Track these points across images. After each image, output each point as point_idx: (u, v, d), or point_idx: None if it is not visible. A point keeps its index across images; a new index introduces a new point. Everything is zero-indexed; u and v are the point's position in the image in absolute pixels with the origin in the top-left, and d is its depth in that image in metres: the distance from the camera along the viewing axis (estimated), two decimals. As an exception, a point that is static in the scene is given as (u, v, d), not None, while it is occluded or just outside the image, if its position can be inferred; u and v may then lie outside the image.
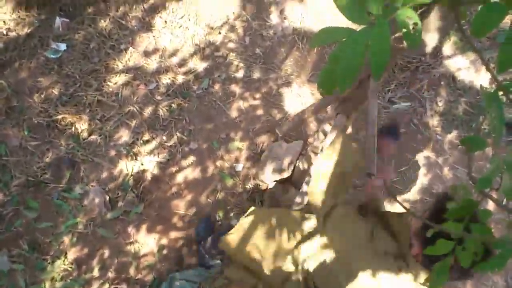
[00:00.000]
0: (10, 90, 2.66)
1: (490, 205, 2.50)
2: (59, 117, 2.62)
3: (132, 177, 2.56)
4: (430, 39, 2.73)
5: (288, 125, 1.79)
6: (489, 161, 2.75)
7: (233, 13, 3.00)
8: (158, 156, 2.63)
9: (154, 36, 2.93)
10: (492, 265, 0.79)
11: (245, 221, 1.70)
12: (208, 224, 2.48)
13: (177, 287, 2.15)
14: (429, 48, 3.05)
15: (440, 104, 2.90)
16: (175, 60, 2.88)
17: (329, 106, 1.88)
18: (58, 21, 2.84)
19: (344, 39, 0.70)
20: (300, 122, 1.70)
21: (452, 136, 2.83)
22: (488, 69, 0.76)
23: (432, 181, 2.70)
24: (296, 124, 1.73)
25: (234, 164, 2.65)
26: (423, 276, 1.18)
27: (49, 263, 2.37)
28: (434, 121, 2.85)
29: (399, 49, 1.35)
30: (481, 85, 0.98)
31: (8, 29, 2.82)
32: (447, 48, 3.04)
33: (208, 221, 2.50)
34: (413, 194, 2.67)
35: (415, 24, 0.65)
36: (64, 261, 2.38)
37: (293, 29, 3.00)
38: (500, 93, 0.80)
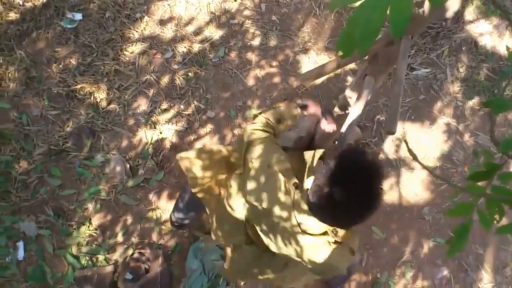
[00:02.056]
0: (28, 61, 2.68)
1: None
2: (78, 86, 2.64)
3: (151, 145, 2.59)
4: (452, 3, 2.65)
5: (308, 74, 1.76)
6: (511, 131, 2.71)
7: (249, -21, 2.94)
8: (176, 125, 2.64)
9: (169, 5, 2.89)
10: None
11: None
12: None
13: (208, 247, 2.28)
14: (450, 13, 2.95)
15: (461, 70, 2.84)
16: (190, 28, 2.85)
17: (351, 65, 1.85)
18: (73, -10, 2.83)
19: (363, 0, 0.68)
20: (321, 73, 1.67)
21: (473, 102, 2.78)
22: None
23: (452, 148, 2.67)
24: (317, 74, 1.70)
25: (252, 132, 2.66)
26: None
27: (74, 229, 2.44)
28: (454, 87, 2.80)
29: (424, 18, 1.31)
30: (507, 46, 0.96)
31: (24, 0, 2.82)
32: (469, 13, 2.95)
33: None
34: (432, 160, 2.65)
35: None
36: (88, 227, 2.44)
37: (310, -5, 2.93)
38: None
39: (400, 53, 1.29)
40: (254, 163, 1.33)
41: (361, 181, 1.09)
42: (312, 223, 1.22)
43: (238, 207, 1.49)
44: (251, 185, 1.32)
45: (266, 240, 1.36)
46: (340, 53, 0.79)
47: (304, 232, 1.23)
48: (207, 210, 1.75)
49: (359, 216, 1.13)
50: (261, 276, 1.64)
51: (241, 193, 1.45)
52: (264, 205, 1.28)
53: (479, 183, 0.92)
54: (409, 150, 1.08)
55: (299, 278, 1.65)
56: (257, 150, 1.37)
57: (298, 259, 1.30)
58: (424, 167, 0.98)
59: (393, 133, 1.23)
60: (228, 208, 1.54)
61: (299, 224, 1.23)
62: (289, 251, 1.30)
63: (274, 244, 1.33)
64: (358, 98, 1.56)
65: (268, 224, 1.31)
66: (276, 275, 1.61)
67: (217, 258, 2.32)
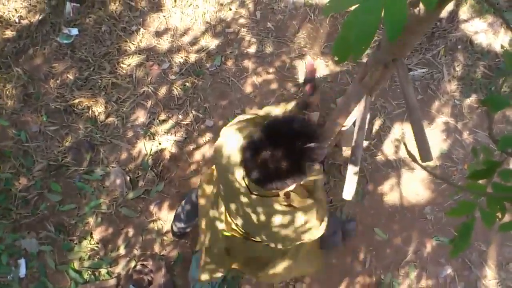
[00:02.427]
0: (26, 77, 2.69)
1: (513, 168, 2.46)
2: (76, 101, 2.65)
3: (151, 156, 2.58)
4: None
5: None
6: (511, 123, 2.70)
7: (242, -12, 2.96)
8: (175, 135, 2.64)
9: (164, 16, 2.91)
10: None
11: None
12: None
13: None
14: (444, 13, 2.98)
15: (457, 68, 2.84)
16: (186, 39, 2.87)
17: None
18: (68, 6, 2.85)
19: (357, 5, 0.68)
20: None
21: (470, 100, 2.77)
22: (509, 28, 0.74)
23: (452, 147, 2.66)
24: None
25: (251, 139, 2.65)
26: None
27: (76, 243, 2.43)
28: (452, 86, 2.80)
29: (421, 20, 1.31)
30: (501, 45, 0.96)
31: (20, 17, 2.84)
32: (463, 12, 2.96)
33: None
34: (432, 160, 2.64)
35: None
36: (90, 241, 2.43)
37: (304, 1, 2.95)
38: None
39: (401, 79, 1.28)
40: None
41: (278, 141, 1.17)
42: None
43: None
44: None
45: (236, 220, 1.51)
46: (336, 58, 0.79)
47: (253, 194, 1.35)
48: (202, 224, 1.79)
49: (278, 173, 1.18)
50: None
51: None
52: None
53: (480, 181, 0.92)
54: (408, 152, 1.08)
55: (288, 271, 1.79)
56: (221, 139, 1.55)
57: (263, 236, 1.44)
58: (423, 167, 0.97)
59: (430, 160, 1.24)
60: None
61: (248, 188, 1.35)
62: (256, 227, 1.42)
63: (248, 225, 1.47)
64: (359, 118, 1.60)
65: (235, 207, 1.46)
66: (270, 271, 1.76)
67: None
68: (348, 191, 1.61)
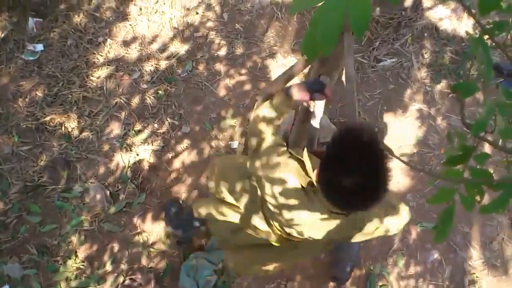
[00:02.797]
0: (-7, 98, 2.61)
1: (487, 149, 2.53)
2: (47, 118, 2.59)
3: (129, 168, 2.55)
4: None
5: (270, 88, 1.78)
6: (482, 105, 2.77)
7: (208, -10, 2.94)
8: (152, 145, 2.61)
9: (130, 25, 2.87)
10: (495, 206, 0.80)
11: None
12: (175, 207, 2.45)
13: (199, 265, 2.27)
14: (408, 2, 3.02)
15: (426, 55, 2.90)
16: (155, 46, 2.83)
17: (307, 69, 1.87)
18: (31, 21, 2.78)
19: (322, 2, 0.68)
20: (290, 77, 1.70)
21: (441, 86, 2.83)
22: (470, 14, 0.75)
23: (427, 133, 2.72)
24: (286, 79, 1.73)
25: (229, 142, 2.65)
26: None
27: (60, 264, 2.38)
28: (422, 73, 2.85)
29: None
30: (466, 31, 0.99)
31: (-19, 37, 2.75)
32: (427, 0, 3.02)
33: (173, 205, 2.45)
34: (409, 147, 2.69)
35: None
36: (75, 260, 2.39)
37: (270, 0, 2.95)
38: (486, 37, 0.80)
39: (345, 51, 1.31)
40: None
41: (363, 160, 1.05)
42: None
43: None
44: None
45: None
46: (305, 57, 0.80)
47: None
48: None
49: (370, 197, 1.08)
50: (268, 267, 1.72)
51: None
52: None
53: (457, 167, 0.94)
54: (383, 145, 1.09)
55: (307, 254, 1.75)
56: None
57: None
58: (399, 159, 0.99)
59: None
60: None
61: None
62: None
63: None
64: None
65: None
66: (282, 262, 1.71)
67: (210, 274, 2.29)
68: None
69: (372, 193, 1.07)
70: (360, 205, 1.12)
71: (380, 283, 2.44)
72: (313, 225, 1.35)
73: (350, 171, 1.05)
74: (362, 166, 1.04)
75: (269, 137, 1.46)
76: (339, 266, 2.36)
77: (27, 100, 2.64)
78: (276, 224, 1.50)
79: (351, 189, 1.06)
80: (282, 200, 1.35)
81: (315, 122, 1.78)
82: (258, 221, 1.55)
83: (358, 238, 1.45)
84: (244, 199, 1.57)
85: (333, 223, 1.33)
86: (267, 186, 1.37)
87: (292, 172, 1.32)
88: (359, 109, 2.72)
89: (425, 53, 2.90)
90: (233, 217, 1.64)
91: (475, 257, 2.53)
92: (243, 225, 1.61)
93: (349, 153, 1.06)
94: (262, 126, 1.48)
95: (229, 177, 1.64)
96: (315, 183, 1.28)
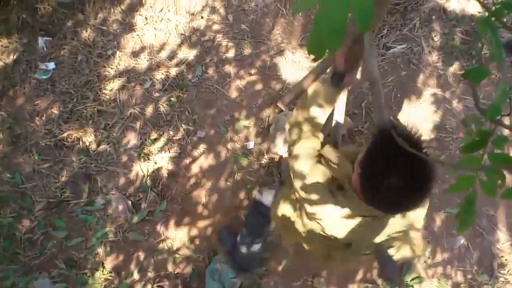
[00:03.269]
0: (11, 119, 2.67)
1: (506, 130, 2.48)
2: (65, 134, 2.63)
3: (149, 177, 2.58)
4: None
5: (289, 96, 1.77)
6: (495, 88, 2.72)
7: (211, -6, 2.95)
8: (169, 152, 2.63)
9: (138, 35, 2.90)
10: None
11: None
12: (229, 235, 2.46)
13: (223, 267, 2.27)
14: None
15: (435, 39, 2.85)
16: (164, 54, 2.85)
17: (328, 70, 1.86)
18: (41, 41, 2.83)
19: None
20: (301, 91, 1.68)
21: (454, 68, 2.79)
22: None
23: (443, 117, 2.68)
24: (297, 93, 1.72)
25: (245, 143, 2.65)
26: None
27: (89, 276, 2.42)
28: (433, 57, 2.81)
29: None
30: (472, 15, 0.96)
31: (-6, 60, 2.81)
32: (432, -19, 2.97)
33: (228, 233, 2.47)
34: (427, 133, 2.65)
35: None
36: (103, 271, 2.42)
37: (274, -3, 2.95)
38: (493, 18, 0.78)
39: (365, 52, 1.29)
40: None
41: (409, 161, 1.04)
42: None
43: None
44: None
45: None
46: (312, 56, 0.79)
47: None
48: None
49: (413, 199, 1.09)
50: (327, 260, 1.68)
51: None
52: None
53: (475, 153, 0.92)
54: (397, 139, 1.07)
55: (358, 258, 1.68)
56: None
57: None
58: (414, 151, 0.96)
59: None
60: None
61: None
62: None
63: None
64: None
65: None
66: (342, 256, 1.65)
67: (234, 276, 2.30)
68: None
69: (417, 194, 1.08)
70: (403, 206, 1.12)
71: (410, 276, 2.41)
72: (335, 222, 1.33)
73: (397, 172, 1.06)
74: (408, 167, 1.05)
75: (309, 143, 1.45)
76: (388, 265, 2.28)
77: (43, 118, 2.69)
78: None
79: (396, 190, 1.06)
80: (306, 193, 1.35)
81: (340, 117, 1.75)
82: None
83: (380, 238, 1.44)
84: None
85: (355, 223, 1.31)
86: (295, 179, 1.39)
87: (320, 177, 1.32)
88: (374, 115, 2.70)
89: (435, 36, 2.85)
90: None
91: (502, 239, 2.48)
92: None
93: (395, 154, 1.06)
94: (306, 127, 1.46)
95: None
96: (346, 184, 1.27)
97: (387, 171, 1.08)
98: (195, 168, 2.61)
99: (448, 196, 2.53)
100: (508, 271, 2.42)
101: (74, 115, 2.69)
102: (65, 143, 2.64)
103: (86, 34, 2.87)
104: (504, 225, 2.50)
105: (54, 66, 2.79)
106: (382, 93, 1.33)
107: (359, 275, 2.39)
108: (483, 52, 2.79)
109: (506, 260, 2.44)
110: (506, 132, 2.45)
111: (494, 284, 2.40)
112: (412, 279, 2.39)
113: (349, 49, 1.41)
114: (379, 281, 2.39)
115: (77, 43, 2.83)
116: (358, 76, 2.72)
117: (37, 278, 2.41)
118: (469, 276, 2.42)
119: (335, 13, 0.67)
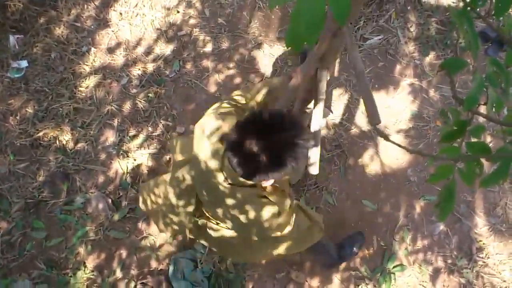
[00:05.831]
0: (-16, 120, 2.60)
1: (483, 119, 2.52)
2: (40, 134, 2.58)
3: (128, 174, 2.55)
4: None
5: (282, 100, 1.78)
6: (472, 77, 2.76)
7: (186, -12, 2.92)
8: (148, 148, 2.61)
9: (113, 31, 2.85)
10: (496, 178, 0.79)
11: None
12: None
13: (182, 266, 2.31)
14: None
15: (411, 29, 2.88)
16: (140, 49, 2.82)
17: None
18: (12, 39, 2.76)
19: None
20: (292, 96, 1.72)
21: (430, 58, 2.82)
22: None
23: (421, 106, 2.71)
24: (288, 99, 1.74)
25: (225, 138, 2.64)
26: None
27: (70, 276, 2.38)
28: (409, 48, 2.84)
29: None
30: (449, 5, 0.97)
31: (-36, 59, 2.73)
32: (406, -28, 3.00)
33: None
34: (405, 123, 2.69)
35: None
36: (85, 270, 2.39)
37: (250, -10, 2.93)
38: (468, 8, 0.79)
39: (348, 46, 1.29)
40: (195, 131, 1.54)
41: (264, 132, 1.18)
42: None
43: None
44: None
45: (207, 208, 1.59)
46: (290, 49, 0.79)
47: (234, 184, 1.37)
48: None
49: (265, 166, 1.20)
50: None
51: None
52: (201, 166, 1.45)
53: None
54: (378, 131, 1.08)
55: (267, 252, 1.82)
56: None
57: (239, 218, 1.43)
58: (394, 143, 0.97)
59: (379, 123, 1.26)
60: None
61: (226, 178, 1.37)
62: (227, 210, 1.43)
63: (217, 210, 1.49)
64: (317, 93, 1.58)
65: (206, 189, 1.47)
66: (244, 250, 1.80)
67: (193, 268, 2.33)
68: (313, 167, 1.68)
69: (270, 162, 1.19)
70: (256, 169, 1.22)
71: (393, 264, 2.44)
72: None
73: (258, 139, 1.18)
74: (269, 137, 1.18)
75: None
76: (321, 252, 2.27)
77: (18, 118, 2.63)
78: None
79: (252, 152, 1.18)
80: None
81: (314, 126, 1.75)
82: None
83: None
84: None
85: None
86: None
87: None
88: (350, 90, 2.71)
89: (411, 26, 2.88)
90: None
91: (480, 224, 2.54)
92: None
93: (265, 126, 1.20)
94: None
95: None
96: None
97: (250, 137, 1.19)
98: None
99: (426, 184, 2.57)
100: (486, 254, 2.48)
101: (49, 114, 2.64)
102: (41, 142, 2.58)
103: (60, 31, 2.81)
104: (481, 210, 2.55)
105: (27, 64, 2.72)
106: (368, 85, 1.34)
107: (342, 264, 2.42)
108: (459, 41, 2.84)
109: (484, 244, 2.50)
110: (482, 120, 2.50)
111: (473, 268, 2.45)
112: (394, 267, 2.43)
113: (328, 43, 1.41)
114: (362, 269, 2.42)
115: (50, 40, 2.77)
116: (336, 71, 2.74)
117: (17, 280, 2.37)
118: (449, 261, 2.47)
119: (313, 7, 0.67)
